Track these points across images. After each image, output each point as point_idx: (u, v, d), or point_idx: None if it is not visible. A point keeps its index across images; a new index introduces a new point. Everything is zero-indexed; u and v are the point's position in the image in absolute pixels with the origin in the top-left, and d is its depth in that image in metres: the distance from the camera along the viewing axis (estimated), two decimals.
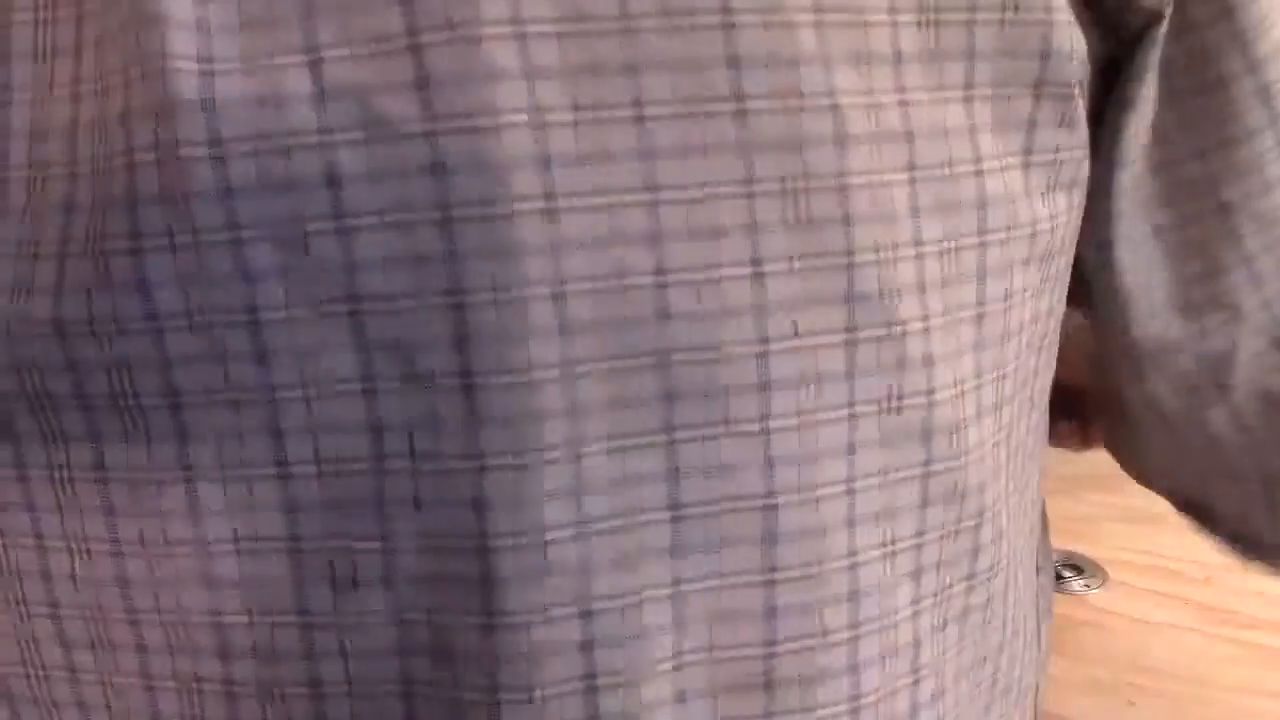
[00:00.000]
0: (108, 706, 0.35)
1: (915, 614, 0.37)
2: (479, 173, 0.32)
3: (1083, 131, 0.38)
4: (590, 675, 0.34)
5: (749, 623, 0.35)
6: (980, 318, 0.37)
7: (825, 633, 0.35)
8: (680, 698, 0.35)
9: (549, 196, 0.32)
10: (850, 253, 0.34)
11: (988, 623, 0.40)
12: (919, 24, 0.35)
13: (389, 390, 0.32)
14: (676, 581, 0.34)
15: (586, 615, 0.33)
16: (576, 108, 0.33)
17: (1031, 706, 0.44)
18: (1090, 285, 0.43)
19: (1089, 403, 0.53)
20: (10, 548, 0.35)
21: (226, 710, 0.34)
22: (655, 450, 0.34)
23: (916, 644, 0.37)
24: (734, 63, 0.33)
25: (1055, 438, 0.54)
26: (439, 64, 0.32)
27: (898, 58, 0.35)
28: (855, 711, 0.36)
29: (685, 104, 0.33)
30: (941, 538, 0.37)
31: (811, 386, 0.34)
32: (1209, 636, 0.91)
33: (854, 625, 0.36)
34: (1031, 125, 0.37)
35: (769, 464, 0.34)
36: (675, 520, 0.34)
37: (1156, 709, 0.92)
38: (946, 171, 0.35)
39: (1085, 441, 0.60)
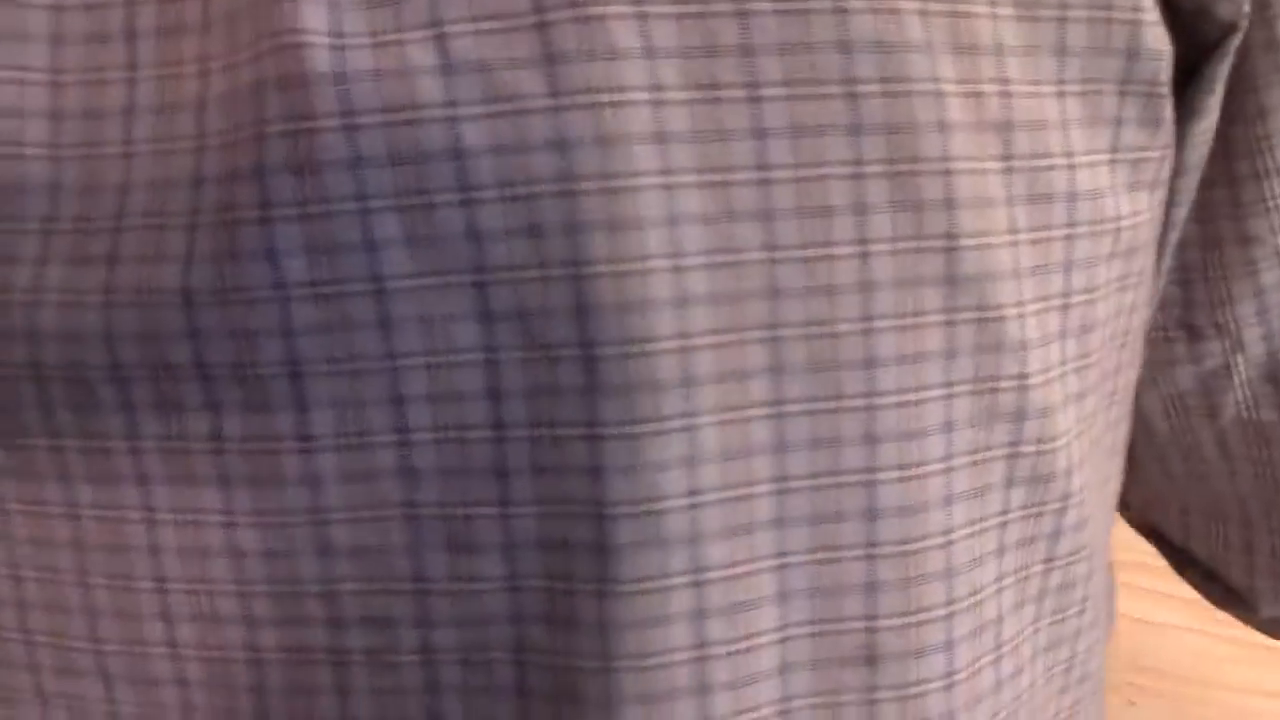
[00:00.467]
0: (206, 682, 0.36)
1: (999, 590, 0.38)
2: (601, 147, 0.33)
3: (1167, 132, 0.39)
4: (701, 645, 0.34)
5: (851, 597, 0.36)
6: (1066, 308, 0.38)
7: (922, 609, 0.36)
8: (784, 669, 0.36)
9: (666, 172, 0.33)
10: (952, 236, 0.35)
11: (1065, 607, 0.41)
12: (1017, 18, 0.36)
13: (510, 360, 0.33)
14: (782, 554, 0.35)
15: (698, 585, 0.34)
16: (693, 86, 0.33)
17: (1102, 701, 0.45)
18: None
19: None
20: (120, 521, 0.35)
21: (335, 678, 0.35)
22: (764, 423, 0.34)
23: (1000, 620, 0.38)
24: (845, 47, 0.34)
25: None
26: (564, 41, 0.33)
27: (999, 49, 0.36)
28: (950, 686, 0.37)
29: (797, 86, 0.34)
30: (1024, 518, 0.38)
31: (912, 365, 0.35)
32: (1209, 636, 0.93)
33: (950, 602, 0.37)
34: (1117, 123, 0.38)
35: (872, 439, 0.35)
36: (781, 493, 0.35)
37: (1156, 709, 0.93)
38: (1041, 163, 0.36)
39: None
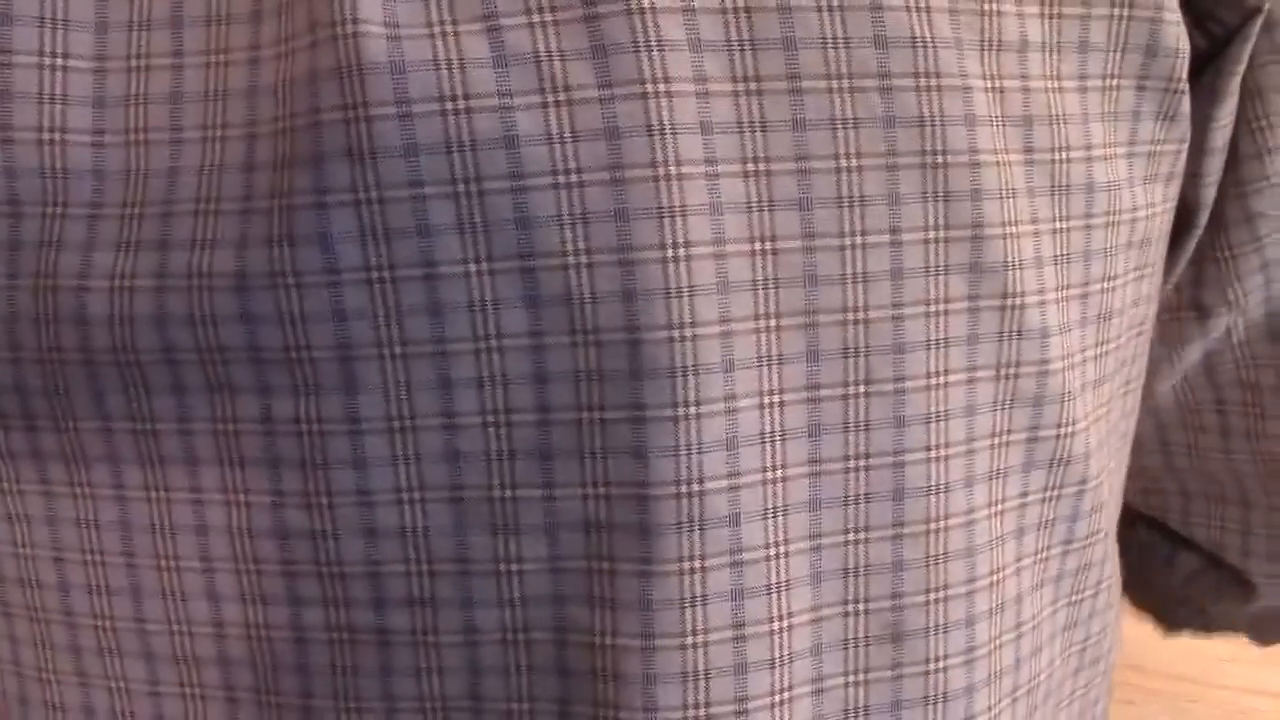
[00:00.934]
0: (249, 662, 0.36)
1: (1018, 571, 0.39)
2: (649, 136, 0.33)
3: (1182, 126, 0.40)
4: (739, 624, 0.35)
5: (879, 576, 0.37)
6: (1085, 296, 0.39)
7: (946, 586, 0.37)
8: (817, 650, 0.36)
9: (710, 161, 0.34)
10: (978, 225, 0.36)
11: (1081, 589, 0.42)
12: (1041, 15, 0.37)
13: (557, 344, 0.34)
14: (815, 535, 0.36)
15: (738, 565, 0.35)
16: (737, 78, 0.34)
17: (1109, 683, 0.46)
18: None
19: None
20: (168, 502, 0.36)
21: (378, 659, 0.36)
22: (799, 407, 0.35)
23: (1019, 599, 0.39)
24: (880, 43, 0.35)
25: None
26: (614, 34, 0.33)
27: (1024, 45, 0.37)
28: (970, 663, 0.38)
29: (836, 79, 0.35)
30: (1043, 501, 0.39)
31: (939, 350, 0.36)
32: (1209, 636, 0.94)
33: (970, 580, 0.37)
34: (1135, 117, 0.39)
35: (900, 422, 0.36)
36: (815, 475, 0.36)
37: (1156, 709, 0.94)
38: (1061, 156, 0.38)
39: None
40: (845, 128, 0.35)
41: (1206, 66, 0.43)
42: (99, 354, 0.35)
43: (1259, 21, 0.42)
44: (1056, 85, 0.38)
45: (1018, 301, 0.37)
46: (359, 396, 0.34)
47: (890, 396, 0.36)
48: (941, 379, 0.36)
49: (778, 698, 0.36)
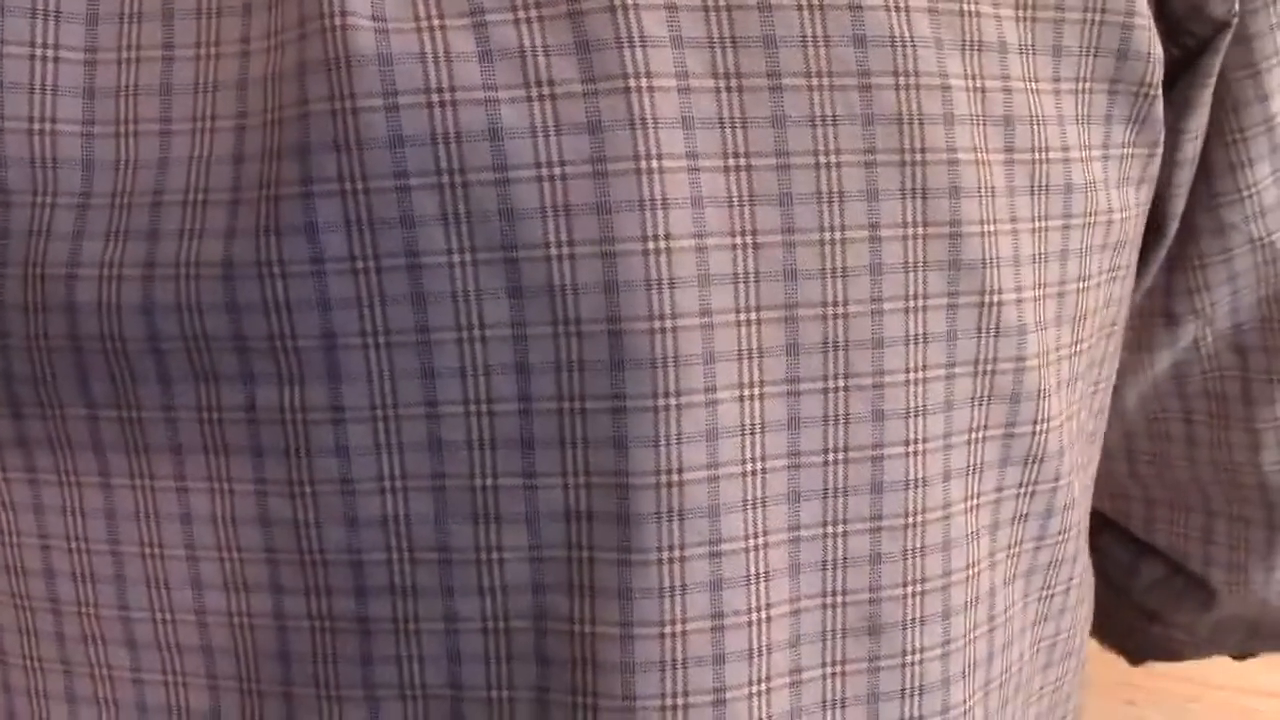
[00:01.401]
0: (231, 650, 0.37)
1: (992, 565, 0.39)
2: (631, 130, 0.34)
3: (1153, 131, 0.41)
4: (718, 614, 0.35)
5: (857, 569, 0.37)
6: (1061, 295, 0.39)
7: (924, 580, 0.37)
8: (795, 641, 0.37)
9: (691, 155, 0.34)
10: (956, 223, 0.36)
11: (1052, 585, 0.42)
12: (1017, 19, 0.38)
13: (538, 334, 0.34)
14: (794, 527, 0.36)
15: (716, 556, 0.35)
16: (718, 74, 0.35)
17: (1080, 680, 0.47)
18: None
19: None
20: (153, 490, 0.36)
21: (359, 647, 0.36)
22: (779, 400, 0.36)
23: (993, 593, 0.39)
24: (860, 41, 0.35)
25: None
26: (597, 30, 0.34)
27: (1003, 47, 0.37)
28: (946, 656, 0.38)
29: (816, 77, 0.35)
30: (1017, 496, 0.39)
31: (918, 346, 0.37)
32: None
33: (946, 574, 0.38)
34: (1108, 120, 0.40)
35: (879, 416, 0.36)
36: (795, 468, 0.36)
37: (1156, 709, 0.94)
38: (1041, 156, 0.38)
39: None
40: (825, 124, 0.35)
41: (1179, 78, 0.43)
42: (86, 341, 0.35)
43: (1228, 35, 0.42)
44: (1035, 87, 0.38)
45: (995, 299, 0.37)
46: (343, 385, 0.34)
47: (869, 391, 0.36)
48: (920, 374, 0.37)
49: (755, 688, 0.36)
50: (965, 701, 0.39)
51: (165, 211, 0.35)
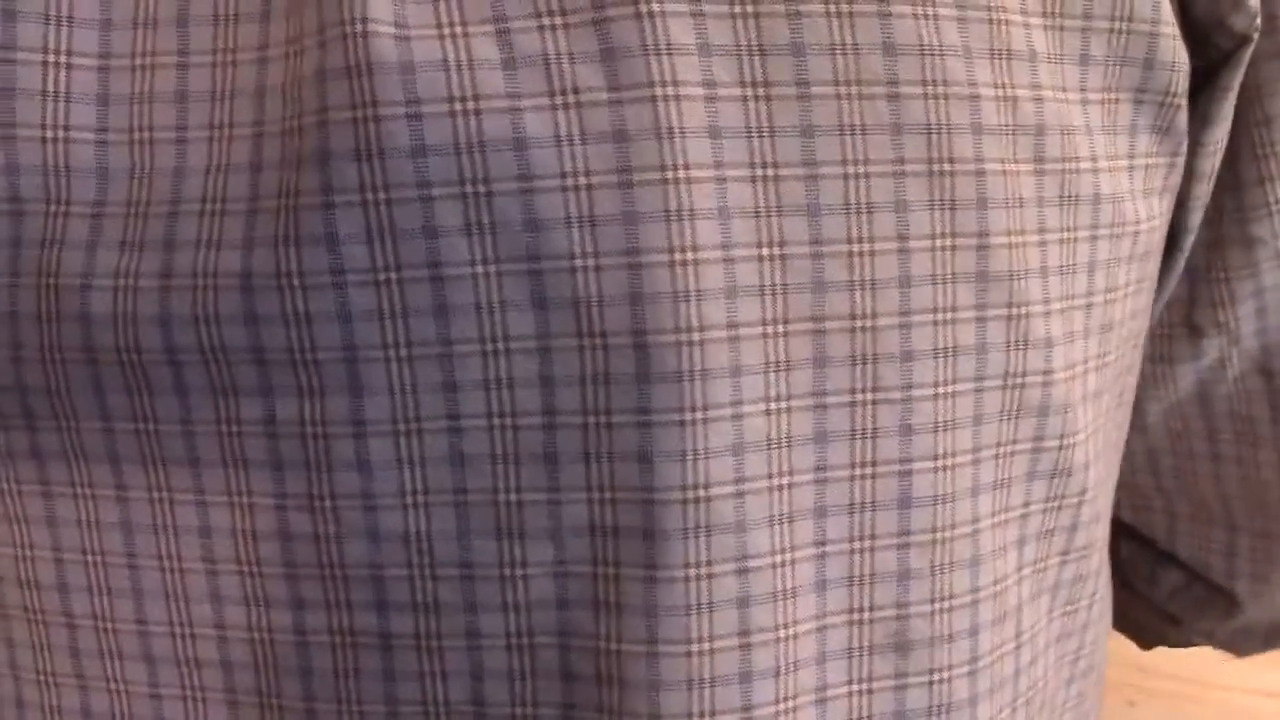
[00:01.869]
0: (251, 665, 0.36)
1: (1019, 580, 0.39)
2: (658, 140, 0.33)
3: (1176, 140, 0.40)
4: (745, 632, 0.35)
5: (884, 585, 0.36)
6: (1089, 307, 0.39)
7: (951, 595, 0.37)
8: (821, 658, 0.36)
9: (718, 165, 0.34)
10: (984, 234, 0.36)
11: (1076, 600, 0.41)
12: (1045, 26, 0.37)
13: (563, 347, 0.34)
14: (821, 542, 0.36)
15: (743, 572, 0.35)
16: (746, 83, 0.34)
17: (1102, 694, 0.46)
18: None
19: None
20: (171, 503, 0.36)
21: (381, 663, 0.35)
22: (807, 413, 0.35)
23: (1019, 609, 0.39)
24: (889, 49, 0.35)
25: None
26: (623, 37, 0.33)
27: (1032, 55, 0.37)
28: (974, 673, 0.38)
29: (845, 86, 0.35)
30: (1044, 511, 0.39)
31: (947, 359, 0.36)
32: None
33: (974, 590, 0.37)
34: (1133, 130, 0.39)
35: (908, 431, 0.36)
36: (821, 482, 0.36)
37: (1156, 709, 0.94)
38: (1069, 166, 0.38)
39: None
40: (853, 134, 0.35)
41: (1200, 91, 0.42)
42: (102, 353, 0.35)
43: (1249, 50, 0.42)
44: (1063, 96, 0.38)
45: (1024, 311, 0.37)
46: (364, 398, 0.34)
47: (898, 405, 0.36)
48: (949, 388, 0.36)
49: (782, 706, 0.36)
50: (992, 719, 0.38)
51: (182, 221, 0.34)
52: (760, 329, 0.35)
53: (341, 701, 0.36)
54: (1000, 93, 0.36)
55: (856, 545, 0.36)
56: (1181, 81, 0.40)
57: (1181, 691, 0.93)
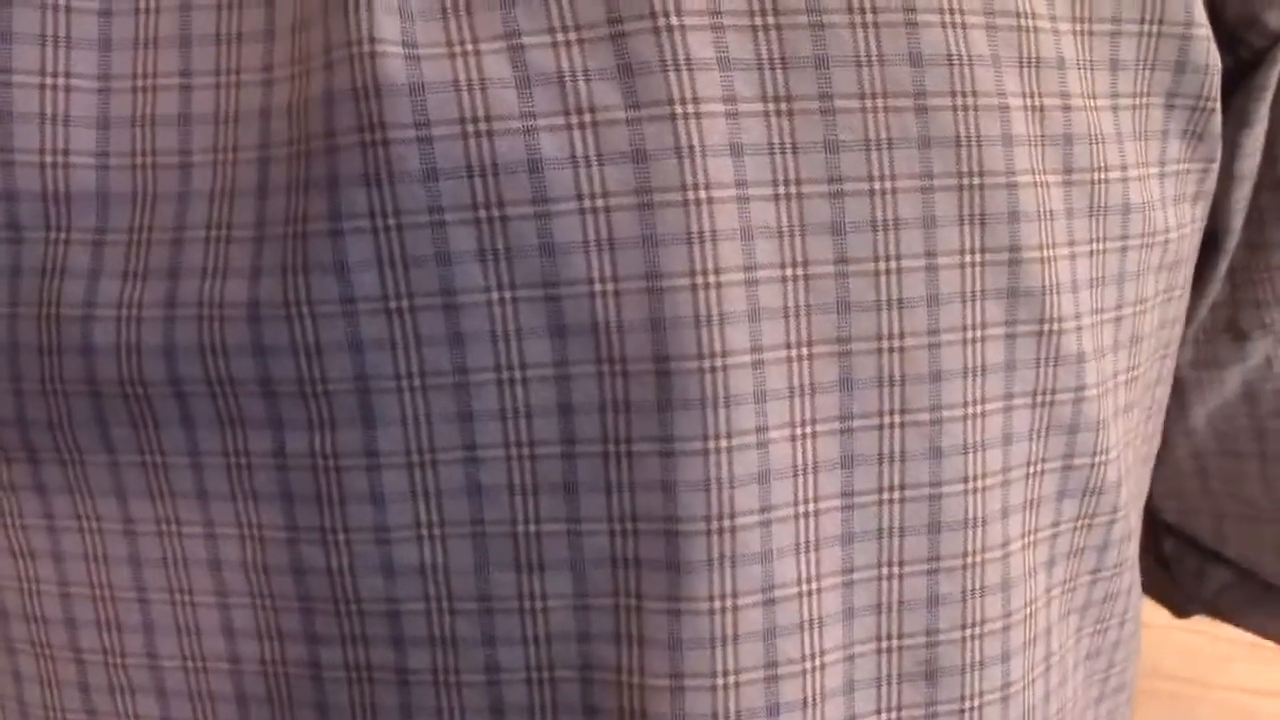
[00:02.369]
0: (266, 699, 0.35)
1: (1048, 602, 0.38)
2: (678, 159, 0.32)
3: (1210, 145, 0.39)
4: (772, 664, 0.34)
5: (913, 612, 0.35)
6: (1119, 320, 0.38)
7: (982, 621, 0.36)
8: (849, 687, 0.35)
9: (740, 184, 0.33)
10: (1015, 249, 0.35)
11: (1106, 619, 0.41)
12: (1074, 32, 0.36)
13: (582, 375, 0.33)
14: (848, 570, 0.35)
15: (770, 603, 0.34)
16: (768, 98, 0.33)
17: (1130, 711, 0.46)
18: None
19: None
20: (180, 536, 0.35)
21: (398, 698, 0.34)
22: (833, 438, 0.34)
23: (1049, 631, 0.38)
24: (916, 60, 0.34)
25: None
26: (641, 52, 0.32)
27: (1060, 63, 0.36)
28: (1006, 700, 0.37)
29: (870, 98, 0.34)
30: (1074, 530, 0.38)
31: (977, 378, 0.35)
32: (1209, 636, 0.93)
33: (1006, 614, 0.36)
34: (1164, 136, 0.38)
35: (937, 453, 0.35)
36: (848, 508, 0.35)
37: (1156, 709, 0.93)
38: (1100, 176, 0.37)
39: None
40: (879, 148, 0.34)
41: (1235, 90, 0.42)
42: (105, 386, 0.34)
43: None
44: (1093, 104, 0.37)
45: (1055, 326, 0.36)
46: (377, 430, 0.33)
47: (927, 427, 0.35)
48: (979, 408, 0.35)
49: None
50: None
51: (186, 248, 0.33)
52: (785, 352, 0.34)
53: None
54: (1029, 102, 0.35)
55: (884, 572, 0.35)
56: (1214, 84, 0.39)
57: (1181, 692, 0.92)
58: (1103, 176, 0.37)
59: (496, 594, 0.34)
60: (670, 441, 0.33)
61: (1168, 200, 0.39)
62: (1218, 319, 0.46)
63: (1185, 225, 0.40)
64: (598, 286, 0.32)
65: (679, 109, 0.32)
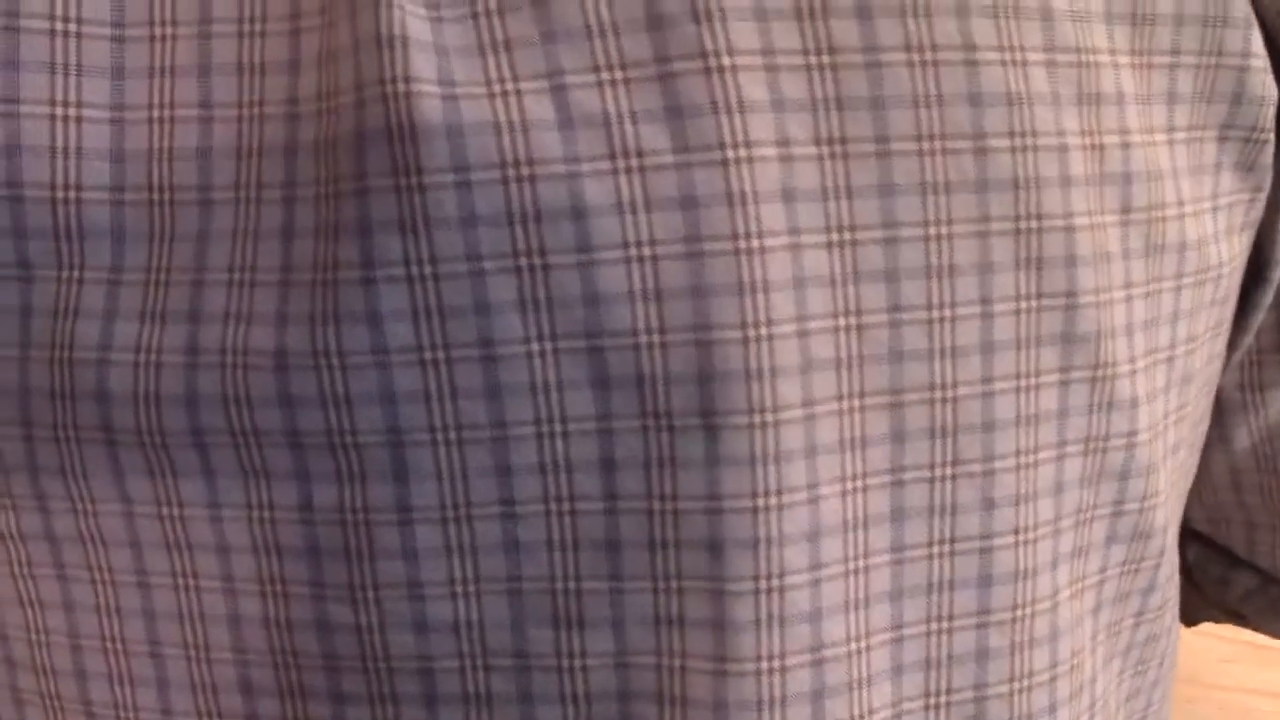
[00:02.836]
0: None
1: (1094, 649, 0.37)
2: (729, 206, 0.31)
3: (1260, 175, 0.38)
4: None
5: (962, 667, 0.34)
6: (1171, 360, 0.37)
7: (1030, 674, 0.35)
8: None
9: (793, 232, 0.31)
10: (1072, 294, 0.34)
11: (1147, 660, 0.40)
12: (1133, 65, 0.35)
13: (626, 429, 0.31)
14: (897, 626, 0.34)
15: (818, 663, 0.33)
16: (821, 141, 0.32)
17: None
18: None
19: None
20: (198, 590, 0.33)
21: None
22: (883, 491, 0.33)
23: (1094, 679, 0.37)
24: (975, 100, 0.32)
25: None
26: (691, 94, 0.31)
27: (1120, 98, 0.34)
28: None
29: (928, 140, 0.32)
30: (1121, 575, 0.37)
31: (1029, 427, 0.34)
32: (1209, 636, 0.92)
33: (1053, 665, 0.35)
34: (1217, 169, 0.37)
35: (989, 505, 0.34)
36: (898, 563, 0.33)
37: None
38: (1156, 215, 0.35)
39: None
40: (936, 192, 0.32)
41: None
42: (121, 434, 0.32)
43: None
44: (1151, 139, 0.35)
45: (1109, 372, 0.35)
46: (410, 484, 0.31)
47: (979, 478, 0.34)
48: (1031, 457, 0.34)
49: None
50: None
51: (207, 291, 0.31)
52: (836, 405, 0.32)
53: None
54: (1088, 140, 0.34)
55: (934, 627, 0.34)
56: (1269, 115, 0.37)
57: (1181, 692, 0.92)
58: (1160, 214, 0.35)
59: (534, 651, 0.32)
60: (718, 499, 0.31)
61: (1220, 234, 0.38)
62: (1265, 341, 0.45)
63: (1236, 257, 0.39)
64: (643, 338, 0.31)
65: (730, 153, 0.31)
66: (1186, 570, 0.54)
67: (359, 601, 0.32)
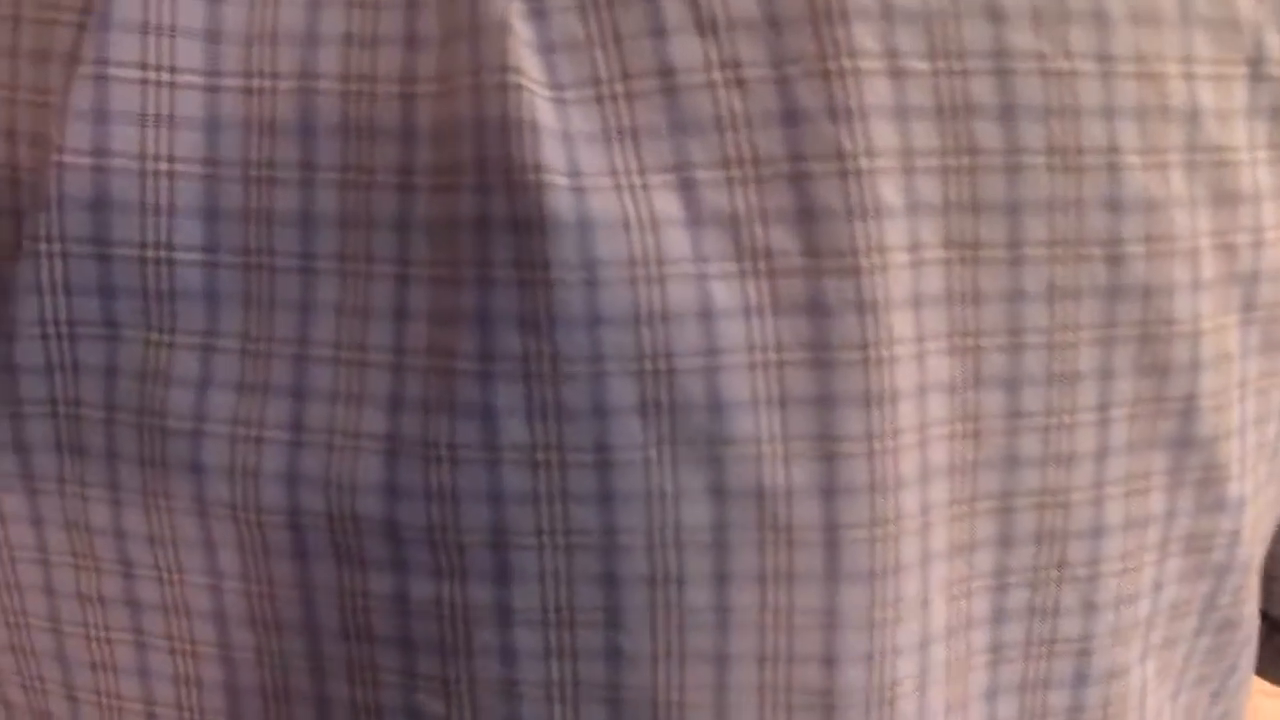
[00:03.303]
0: None
1: None
2: (859, 315, 0.30)
3: None
4: None
5: None
6: (1275, 454, 0.36)
7: None
8: None
9: (920, 339, 0.30)
10: (1191, 398, 0.33)
11: None
12: (1271, 160, 0.33)
13: (743, 541, 0.30)
14: None
15: None
16: (952, 245, 0.30)
17: None
18: None
19: None
20: (286, 670, 0.32)
21: None
22: (986, 595, 0.32)
23: None
24: (1114, 206, 0.31)
25: None
26: (825, 196, 0.29)
27: (1256, 196, 0.33)
28: None
29: (1060, 246, 0.31)
30: (1204, 661, 0.37)
31: (1136, 530, 0.33)
32: None
33: None
34: None
35: (1090, 608, 0.33)
36: (995, 664, 0.33)
37: None
38: (1275, 313, 0.34)
39: None
40: (1063, 299, 0.31)
41: None
42: (214, 507, 0.31)
43: None
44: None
45: (1221, 474, 0.34)
46: (512, 586, 0.30)
47: (1084, 583, 0.33)
48: (1136, 560, 0.33)
49: None
50: None
51: (313, 367, 0.30)
52: (949, 510, 0.31)
53: None
54: (1219, 240, 0.33)
55: None
56: None
57: None
58: (1278, 313, 0.34)
59: None
60: (834, 614, 0.30)
61: None
62: None
63: None
64: (765, 447, 0.30)
65: (864, 261, 0.30)
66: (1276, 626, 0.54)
67: (452, 696, 0.31)
